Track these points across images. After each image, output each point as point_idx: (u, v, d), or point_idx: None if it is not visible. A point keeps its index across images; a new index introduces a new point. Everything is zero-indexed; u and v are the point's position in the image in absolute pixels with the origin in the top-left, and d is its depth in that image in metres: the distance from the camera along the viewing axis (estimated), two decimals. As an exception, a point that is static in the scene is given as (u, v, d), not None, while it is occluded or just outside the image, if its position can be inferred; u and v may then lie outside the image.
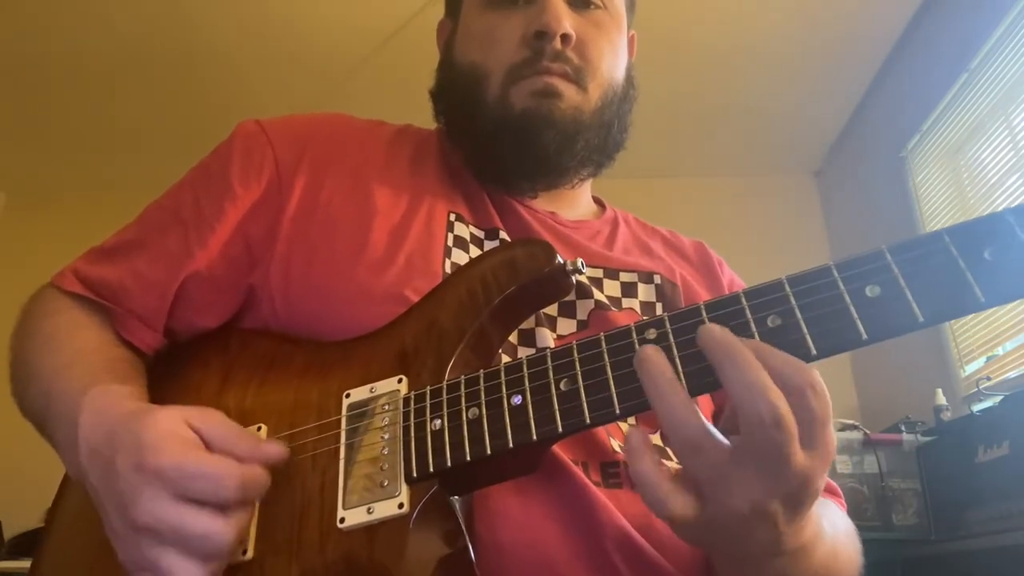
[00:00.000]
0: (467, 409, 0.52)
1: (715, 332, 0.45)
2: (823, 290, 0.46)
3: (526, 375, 0.51)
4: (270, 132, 0.77)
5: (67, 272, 0.74)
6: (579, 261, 0.60)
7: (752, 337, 0.46)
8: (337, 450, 0.55)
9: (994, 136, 2.51)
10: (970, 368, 2.57)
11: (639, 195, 3.72)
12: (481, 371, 0.53)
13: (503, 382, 0.52)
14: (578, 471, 0.61)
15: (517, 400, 0.50)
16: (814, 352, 0.45)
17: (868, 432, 2.47)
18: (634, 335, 0.49)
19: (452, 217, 0.74)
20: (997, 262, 0.43)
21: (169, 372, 0.70)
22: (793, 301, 0.46)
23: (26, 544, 2.33)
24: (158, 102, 3.20)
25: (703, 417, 0.45)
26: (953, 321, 2.67)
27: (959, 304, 0.43)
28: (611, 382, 0.48)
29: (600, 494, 0.60)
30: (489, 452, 0.50)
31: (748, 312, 0.47)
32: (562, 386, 0.49)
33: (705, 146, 3.58)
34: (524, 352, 0.65)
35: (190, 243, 0.71)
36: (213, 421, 0.55)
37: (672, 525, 0.49)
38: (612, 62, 0.81)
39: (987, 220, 0.44)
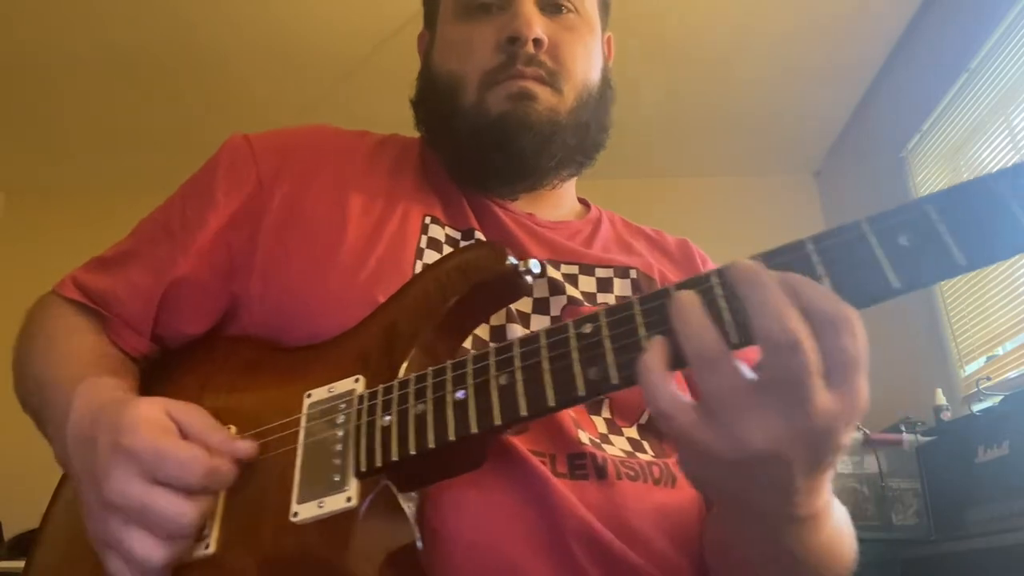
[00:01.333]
0: (415, 405, 0.54)
1: (740, 262, 0.45)
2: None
3: (470, 371, 0.53)
4: (255, 145, 0.80)
5: (67, 280, 0.78)
6: (532, 262, 0.62)
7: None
8: (295, 448, 0.57)
9: (994, 136, 2.52)
10: (970, 368, 2.57)
11: (639, 195, 3.73)
12: (430, 368, 0.55)
13: (449, 378, 0.54)
14: (539, 463, 0.62)
15: (461, 395, 0.52)
16: None
17: (868, 432, 2.47)
18: (571, 330, 0.51)
19: (427, 220, 0.76)
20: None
21: (159, 377, 0.74)
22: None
23: (26, 544, 2.34)
24: (158, 102, 3.20)
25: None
26: (953, 321, 2.68)
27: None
28: (546, 375, 0.50)
29: (562, 486, 0.61)
30: (432, 445, 0.52)
31: (716, 290, 0.47)
32: (502, 380, 0.51)
33: (705, 146, 3.58)
34: (509, 329, 0.68)
35: (175, 252, 0.75)
36: (192, 413, 0.59)
37: (684, 460, 0.48)
38: (586, 64, 0.82)
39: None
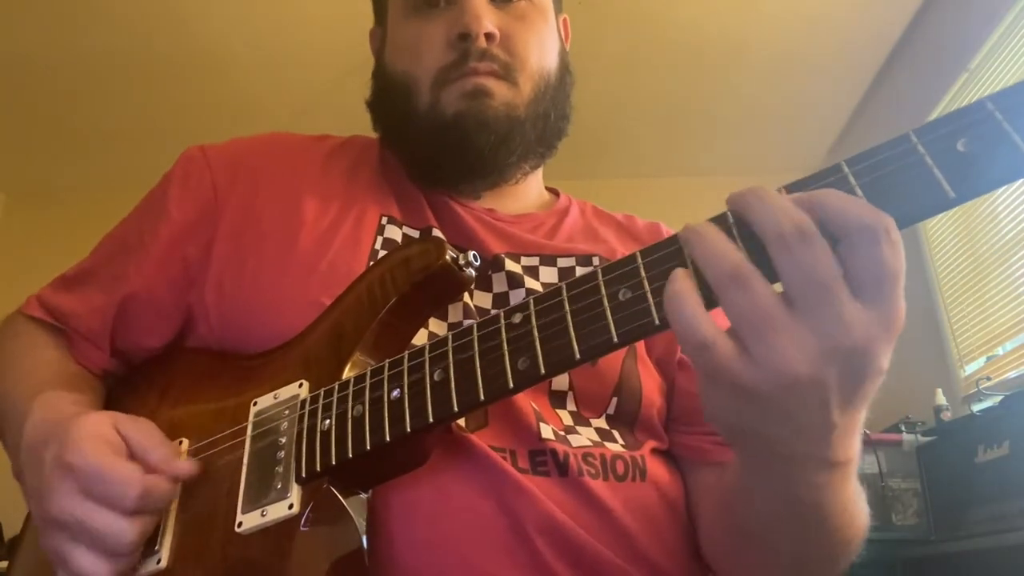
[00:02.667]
0: (352, 407, 0.53)
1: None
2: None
3: (405, 369, 0.52)
4: (210, 156, 0.80)
5: (32, 299, 0.79)
6: (471, 254, 0.61)
7: None
8: (241, 457, 0.57)
9: (994, 136, 2.51)
10: (970, 368, 2.57)
11: (638, 195, 3.73)
12: (368, 369, 0.55)
13: (385, 378, 0.53)
14: (498, 458, 0.60)
15: (396, 394, 0.51)
16: None
17: (868, 432, 2.47)
18: (502, 320, 0.50)
19: (384, 220, 0.75)
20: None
21: (122, 390, 0.75)
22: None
23: (12, 545, 2.33)
24: (158, 102, 3.20)
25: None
26: (953, 321, 2.68)
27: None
28: (477, 370, 0.49)
29: (524, 480, 0.60)
30: (368, 447, 0.51)
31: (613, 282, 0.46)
32: (435, 376, 0.50)
33: (705, 146, 3.58)
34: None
35: (128, 267, 0.75)
36: (139, 430, 0.59)
37: (715, 405, 0.45)
38: (540, 53, 0.80)
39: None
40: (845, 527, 0.54)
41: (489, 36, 0.75)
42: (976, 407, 2.11)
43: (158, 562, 0.55)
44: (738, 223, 0.43)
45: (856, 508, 0.55)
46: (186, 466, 0.58)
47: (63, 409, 0.62)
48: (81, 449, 0.55)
